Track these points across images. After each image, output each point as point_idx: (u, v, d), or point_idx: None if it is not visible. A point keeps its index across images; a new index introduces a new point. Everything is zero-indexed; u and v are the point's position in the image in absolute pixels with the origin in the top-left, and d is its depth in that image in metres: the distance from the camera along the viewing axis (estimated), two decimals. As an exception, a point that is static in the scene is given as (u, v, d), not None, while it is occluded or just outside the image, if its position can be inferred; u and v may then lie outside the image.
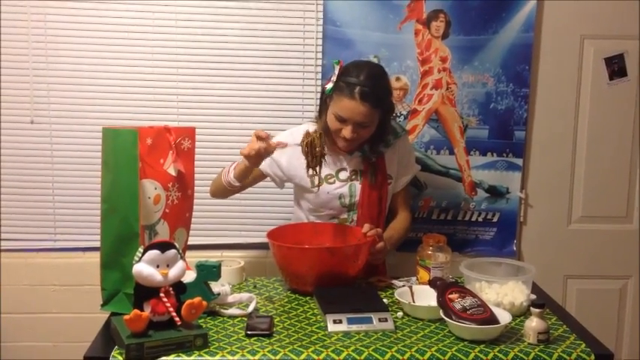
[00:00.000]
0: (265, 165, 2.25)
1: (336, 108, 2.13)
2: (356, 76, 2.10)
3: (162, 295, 1.60)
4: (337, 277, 2.02)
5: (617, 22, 2.66)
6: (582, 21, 2.67)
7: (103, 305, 1.85)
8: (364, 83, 2.09)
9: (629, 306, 2.86)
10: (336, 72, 2.14)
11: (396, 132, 2.32)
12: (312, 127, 2.22)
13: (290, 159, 2.27)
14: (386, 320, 1.77)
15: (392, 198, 2.38)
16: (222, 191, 2.29)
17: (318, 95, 2.63)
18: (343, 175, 2.29)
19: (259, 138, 2.00)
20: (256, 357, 1.59)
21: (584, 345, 1.68)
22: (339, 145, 2.21)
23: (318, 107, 2.31)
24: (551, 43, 2.67)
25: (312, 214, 2.34)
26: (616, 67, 2.70)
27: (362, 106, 2.08)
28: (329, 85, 2.15)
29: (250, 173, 2.19)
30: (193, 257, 1.92)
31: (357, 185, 2.28)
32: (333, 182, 2.28)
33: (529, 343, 1.68)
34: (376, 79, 2.14)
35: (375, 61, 2.59)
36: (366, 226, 2.09)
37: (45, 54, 2.58)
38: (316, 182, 2.23)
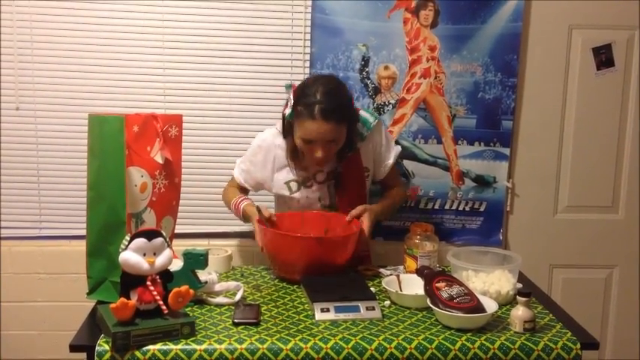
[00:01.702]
0: (243, 181, 2.33)
1: (301, 132, 2.08)
2: (312, 95, 2.05)
3: (148, 283, 1.59)
4: (326, 266, 2.02)
5: (605, 12, 2.66)
6: (570, 11, 2.66)
7: (89, 293, 1.84)
8: (322, 101, 2.03)
9: (614, 295, 2.88)
10: (291, 96, 2.11)
11: (367, 123, 2.26)
12: (274, 133, 2.27)
13: (263, 172, 2.28)
14: (373, 309, 1.78)
15: (382, 182, 2.38)
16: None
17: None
18: (320, 177, 2.26)
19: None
20: (243, 345, 1.59)
21: (569, 334, 1.69)
22: (312, 164, 2.19)
23: (282, 131, 2.23)
24: (540, 33, 2.67)
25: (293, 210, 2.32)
26: (603, 58, 2.71)
27: (326, 124, 2.03)
28: (287, 110, 2.12)
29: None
30: (180, 246, 1.91)
31: (334, 184, 2.27)
32: (311, 185, 2.26)
33: (515, 332, 1.69)
34: (333, 93, 2.08)
35: (363, 49, 2.59)
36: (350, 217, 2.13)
37: (30, 39, 2.54)
38: (293, 189, 2.25)
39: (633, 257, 2.84)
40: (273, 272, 2.14)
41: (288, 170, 2.25)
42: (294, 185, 2.26)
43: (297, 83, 2.19)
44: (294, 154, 2.20)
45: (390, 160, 2.35)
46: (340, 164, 2.24)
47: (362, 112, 2.28)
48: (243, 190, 2.36)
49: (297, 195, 2.25)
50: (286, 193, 2.26)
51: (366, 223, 2.14)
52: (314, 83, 2.11)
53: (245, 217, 2.23)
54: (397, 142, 2.57)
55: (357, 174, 2.27)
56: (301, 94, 2.08)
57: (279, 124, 2.25)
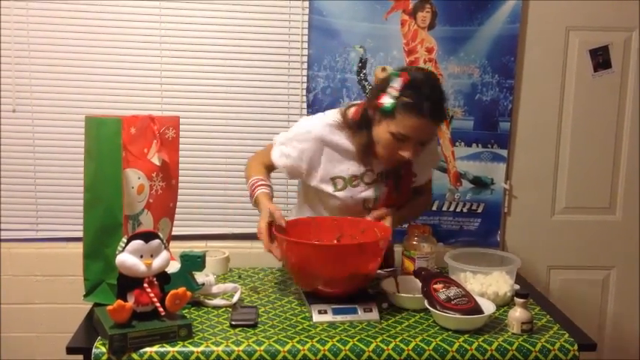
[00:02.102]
0: (282, 166, 2.06)
1: (398, 127, 1.87)
2: (422, 90, 1.86)
3: (145, 285, 1.59)
4: (359, 276, 1.84)
5: (603, 13, 2.67)
6: (567, 13, 2.67)
7: (85, 296, 1.84)
8: (434, 99, 1.86)
9: (611, 296, 2.88)
10: (397, 86, 1.87)
11: None
12: (330, 123, 2.01)
13: (310, 163, 2.03)
14: (371, 310, 1.78)
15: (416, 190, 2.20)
16: None
17: (304, 85, 2.63)
18: (368, 177, 2.06)
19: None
20: (241, 347, 1.58)
21: (567, 335, 1.69)
22: (389, 163, 2.00)
23: (355, 119, 1.99)
24: (537, 35, 2.67)
25: (324, 209, 2.13)
26: (601, 59, 2.71)
27: (432, 123, 1.88)
28: (387, 100, 1.87)
29: None
30: (178, 247, 1.90)
31: (382, 187, 2.07)
32: (357, 185, 2.06)
33: (513, 333, 1.69)
34: (440, 91, 1.92)
35: (361, 51, 2.59)
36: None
37: (27, 42, 2.54)
38: (339, 186, 2.05)
39: (631, 258, 2.85)
40: (298, 287, 1.99)
41: (336, 166, 2.03)
42: (339, 182, 2.04)
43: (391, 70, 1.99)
44: (367, 151, 1.99)
45: (430, 170, 2.26)
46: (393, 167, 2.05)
47: None
48: (270, 169, 2.11)
49: (341, 194, 2.05)
50: (329, 190, 2.05)
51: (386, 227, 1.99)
52: (422, 80, 1.90)
53: (256, 204, 2.00)
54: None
55: (406, 179, 2.11)
56: (411, 86, 1.87)
57: (330, 116, 2.04)
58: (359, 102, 2.07)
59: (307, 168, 2.03)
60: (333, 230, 2.01)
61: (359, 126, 1.99)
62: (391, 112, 1.87)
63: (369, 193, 2.07)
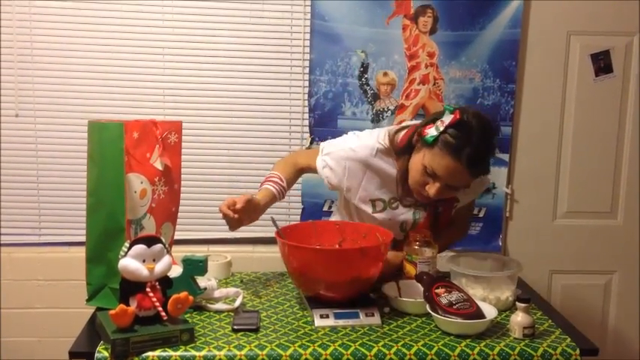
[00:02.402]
0: (322, 173, 2.03)
1: (431, 161, 1.84)
2: (470, 134, 1.80)
3: (148, 289, 1.59)
4: (361, 280, 1.83)
5: (604, 18, 2.68)
6: (569, 17, 2.68)
7: (88, 300, 1.84)
8: (476, 149, 1.80)
9: (613, 301, 2.88)
10: (447, 121, 1.82)
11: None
12: (378, 142, 1.98)
13: (351, 181, 2.01)
14: (373, 315, 1.77)
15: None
16: None
17: (306, 90, 2.64)
18: (408, 200, 2.02)
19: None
20: (243, 352, 1.58)
21: (569, 339, 1.69)
22: (417, 197, 1.96)
23: (401, 145, 1.96)
24: (538, 40, 2.68)
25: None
26: (602, 64, 2.72)
27: (465, 170, 1.82)
28: (431, 132, 1.84)
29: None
30: (180, 252, 1.91)
31: (422, 212, 2.04)
32: (396, 207, 2.04)
33: (515, 338, 1.69)
34: (489, 141, 1.85)
35: (362, 56, 2.60)
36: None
37: (30, 46, 2.55)
38: (378, 209, 2.03)
39: (633, 263, 2.85)
40: (300, 292, 1.98)
41: (377, 188, 2.01)
42: (379, 205, 2.03)
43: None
44: (405, 176, 1.95)
45: (471, 198, 2.15)
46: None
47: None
48: (303, 171, 2.10)
49: (379, 215, 2.03)
50: (369, 210, 2.03)
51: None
52: (474, 123, 1.82)
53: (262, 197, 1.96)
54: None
55: (448, 204, 2.06)
56: (458, 124, 1.81)
57: (378, 137, 2.00)
58: (410, 125, 2.02)
59: (348, 186, 2.01)
60: (335, 234, 2.02)
61: (403, 151, 1.95)
62: (431, 144, 1.83)
63: (407, 216, 2.05)
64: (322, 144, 2.08)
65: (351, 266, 1.76)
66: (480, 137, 1.80)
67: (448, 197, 1.97)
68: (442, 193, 1.88)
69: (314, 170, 2.07)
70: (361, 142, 2.01)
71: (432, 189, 1.87)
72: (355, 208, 2.07)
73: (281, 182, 2.02)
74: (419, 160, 1.88)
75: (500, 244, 2.79)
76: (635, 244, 2.83)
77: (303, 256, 1.81)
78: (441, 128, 1.81)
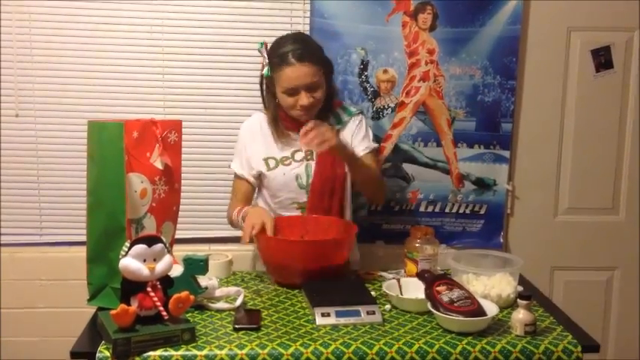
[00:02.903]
0: (247, 174, 2.30)
1: (283, 82, 2.14)
2: (284, 45, 2.14)
3: (149, 289, 1.59)
4: (326, 269, 2.02)
5: (604, 14, 2.67)
6: (569, 13, 2.67)
7: (89, 300, 1.84)
8: (295, 47, 2.12)
9: (615, 297, 2.88)
10: (264, 53, 2.18)
11: (349, 111, 2.32)
12: (261, 116, 2.33)
13: (248, 150, 2.29)
14: (374, 313, 1.77)
15: None
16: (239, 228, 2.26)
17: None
18: (298, 156, 2.27)
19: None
20: (244, 351, 1.59)
21: (570, 336, 1.69)
22: (300, 118, 2.18)
23: (261, 98, 2.32)
24: (538, 36, 2.68)
25: (273, 202, 2.31)
26: (602, 60, 2.71)
27: (303, 66, 2.11)
28: (265, 69, 2.18)
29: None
30: (181, 251, 1.91)
31: (313, 165, 2.26)
32: (289, 164, 2.27)
33: (516, 335, 1.68)
34: (303, 40, 2.19)
35: (362, 53, 2.60)
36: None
37: (29, 46, 2.55)
38: (271, 166, 2.27)
39: (634, 259, 2.85)
40: (270, 277, 2.14)
41: (268, 147, 2.28)
42: (272, 162, 2.27)
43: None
44: (275, 119, 2.26)
45: (363, 146, 2.29)
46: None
47: (346, 104, 2.38)
48: (245, 201, 2.32)
49: (272, 173, 2.26)
50: (264, 169, 2.27)
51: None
52: (283, 37, 2.21)
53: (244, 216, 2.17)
54: (397, 146, 2.58)
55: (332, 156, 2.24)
56: (273, 47, 2.18)
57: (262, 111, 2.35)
58: None
59: (249, 156, 2.29)
60: (298, 228, 2.19)
61: (264, 102, 2.30)
62: (270, 76, 2.17)
63: (300, 170, 2.26)
64: (231, 164, 2.36)
65: (325, 256, 2.02)
66: (290, 40, 2.16)
67: (318, 102, 2.19)
68: (311, 97, 2.14)
69: (249, 190, 2.33)
70: (247, 122, 2.36)
71: (302, 100, 2.14)
72: (260, 190, 2.33)
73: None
74: (278, 92, 2.18)
75: (502, 241, 2.79)
76: (637, 240, 2.83)
77: (284, 249, 2.03)
78: (266, 60, 2.17)
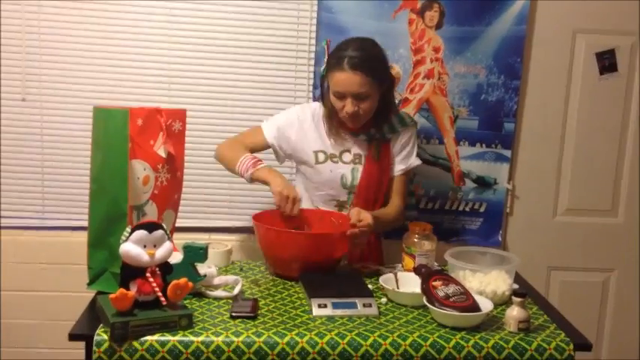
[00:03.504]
0: (272, 137, 2.29)
1: (332, 85, 2.15)
2: (344, 49, 2.13)
3: (148, 275, 1.61)
4: (322, 262, 2.04)
5: (609, 17, 2.68)
6: (575, 15, 2.68)
7: (89, 284, 1.86)
8: (353, 54, 2.10)
9: (611, 299, 2.89)
10: (326, 51, 2.21)
11: (403, 121, 2.32)
12: (320, 108, 2.31)
13: (298, 134, 2.29)
14: (370, 306, 1.79)
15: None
16: (229, 168, 2.28)
17: (311, 82, 2.66)
18: (347, 157, 2.29)
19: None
20: (240, 338, 1.61)
21: (563, 334, 1.71)
22: (347, 124, 2.22)
23: (321, 96, 2.32)
24: (543, 37, 2.68)
25: (313, 194, 2.34)
26: (607, 63, 2.72)
27: (354, 75, 2.09)
28: (322, 67, 2.20)
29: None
30: (181, 239, 1.93)
31: (360, 169, 2.28)
32: (337, 162, 2.29)
33: (509, 332, 1.70)
34: (365, 49, 2.15)
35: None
36: (354, 213, 2.06)
37: (38, 31, 2.56)
38: (320, 159, 2.27)
39: (632, 261, 2.86)
40: (269, 268, 2.16)
41: (320, 140, 2.29)
42: (321, 156, 2.28)
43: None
44: (331, 115, 2.24)
45: (403, 166, 2.35)
46: (368, 147, 2.28)
47: (402, 112, 2.38)
48: (252, 150, 2.29)
49: (321, 166, 2.28)
50: (312, 161, 2.28)
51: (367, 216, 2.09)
52: (349, 40, 2.21)
53: (262, 178, 2.15)
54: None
55: (382, 163, 2.29)
56: (335, 48, 2.18)
57: (318, 102, 2.35)
58: None
59: (295, 139, 2.29)
60: (292, 220, 2.19)
61: (323, 99, 2.28)
62: (325, 75, 2.19)
63: (346, 171, 2.28)
64: (263, 124, 2.34)
65: (308, 248, 2.04)
66: (353, 46, 2.13)
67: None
68: (357, 106, 2.14)
69: (260, 148, 2.31)
70: (303, 107, 2.37)
71: (347, 107, 2.14)
72: (302, 168, 2.34)
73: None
74: (330, 92, 2.18)
75: (500, 239, 2.80)
76: (636, 242, 2.84)
77: (283, 241, 2.04)
78: (325, 58, 2.20)
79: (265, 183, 2.14)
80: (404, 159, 2.35)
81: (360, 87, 2.11)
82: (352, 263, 2.23)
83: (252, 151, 2.27)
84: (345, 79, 2.10)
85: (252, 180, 2.17)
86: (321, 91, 2.30)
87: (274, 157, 2.36)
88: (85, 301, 1.84)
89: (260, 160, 2.20)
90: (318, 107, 2.33)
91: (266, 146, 2.32)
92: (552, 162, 2.78)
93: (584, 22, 2.68)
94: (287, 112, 2.35)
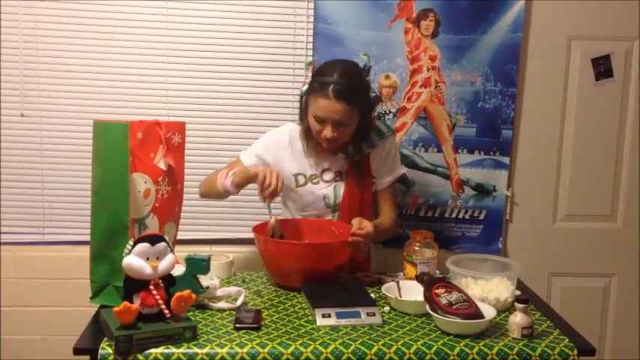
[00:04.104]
0: (252, 165, 2.26)
1: (314, 109, 2.13)
2: (329, 74, 2.09)
3: (151, 287, 1.61)
4: (323, 272, 2.04)
5: (604, 23, 2.69)
6: (570, 22, 2.69)
7: (92, 298, 1.86)
8: (338, 81, 2.08)
9: (612, 304, 2.89)
10: (309, 73, 2.16)
11: (381, 133, 2.30)
12: (295, 129, 2.31)
13: (276, 159, 2.28)
14: (374, 315, 1.79)
15: (376, 197, 2.36)
16: (215, 194, 2.25)
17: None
18: (327, 175, 2.30)
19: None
20: (244, 349, 1.61)
21: (567, 340, 1.71)
22: (323, 145, 2.21)
23: (299, 114, 2.31)
24: (539, 44, 2.70)
25: (298, 215, 2.34)
26: (602, 68, 2.73)
27: (338, 104, 2.08)
28: (304, 87, 2.16)
29: (250, 183, 2.16)
30: (182, 252, 1.92)
31: (342, 186, 2.29)
32: (317, 182, 2.29)
33: (513, 338, 1.70)
34: (350, 76, 2.12)
35: (365, 59, 2.62)
36: (356, 222, 2.07)
37: (36, 47, 2.58)
38: (300, 182, 2.27)
39: (632, 266, 2.86)
40: (270, 279, 2.16)
41: (298, 163, 2.29)
42: (301, 179, 2.29)
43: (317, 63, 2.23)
44: (308, 135, 2.24)
45: (390, 177, 2.36)
46: (347, 164, 2.28)
47: (378, 123, 2.32)
48: None
49: (302, 189, 2.28)
50: (292, 185, 2.28)
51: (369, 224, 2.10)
52: (333, 64, 2.16)
53: (242, 176, 2.15)
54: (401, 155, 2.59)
55: (363, 179, 2.29)
56: (319, 72, 2.14)
57: (296, 123, 2.35)
58: None
59: (273, 162, 2.27)
60: (291, 232, 2.23)
61: (300, 115, 2.27)
62: (307, 96, 2.15)
63: (329, 190, 2.29)
64: (241, 154, 2.33)
65: (308, 258, 2.04)
66: (338, 73, 2.09)
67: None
68: (336, 132, 2.12)
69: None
70: (281, 127, 2.36)
71: (326, 132, 2.13)
72: (285, 192, 2.32)
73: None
74: (310, 114, 2.16)
75: (500, 246, 2.81)
76: (635, 247, 2.85)
77: (283, 251, 2.05)
78: (309, 79, 2.14)
79: (248, 180, 2.13)
80: (389, 170, 2.35)
81: (343, 116, 2.10)
82: (344, 273, 2.21)
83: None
84: (329, 106, 2.09)
85: (235, 185, 2.13)
86: (300, 109, 2.27)
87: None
88: (87, 315, 1.83)
89: (229, 170, 2.17)
90: (294, 128, 2.33)
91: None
92: (551, 168, 2.79)
93: (579, 29, 2.70)
94: (263, 138, 2.35)
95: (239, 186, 2.15)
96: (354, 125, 2.17)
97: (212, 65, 2.65)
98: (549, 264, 2.84)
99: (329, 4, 2.60)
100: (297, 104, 2.66)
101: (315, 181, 2.29)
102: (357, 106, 2.12)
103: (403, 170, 2.41)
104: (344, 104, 2.08)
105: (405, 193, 2.74)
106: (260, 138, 2.37)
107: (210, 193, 2.27)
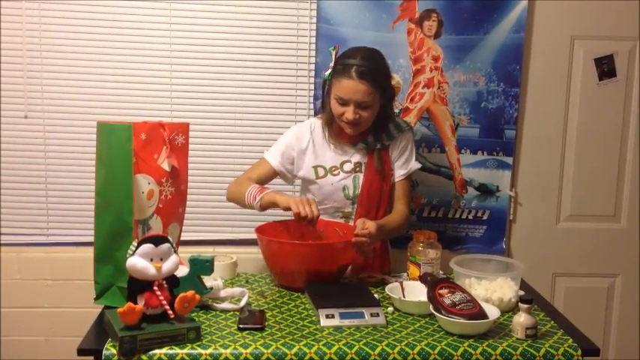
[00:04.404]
0: (277, 163, 2.31)
1: (336, 90, 2.18)
2: (352, 57, 2.17)
3: (155, 288, 1.61)
4: (326, 273, 2.05)
5: (607, 23, 2.69)
6: (573, 22, 2.69)
7: (96, 299, 1.87)
8: (361, 63, 2.14)
9: (616, 304, 2.89)
10: (333, 57, 2.21)
11: (399, 126, 2.34)
12: (316, 122, 2.35)
13: (298, 153, 2.32)
14: (378, 315, 1.80)
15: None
16: (241, 205, 2.27)
17: (311, 93, 2.67)
18: (347, 166, 2.31)
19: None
20: (248, 350, 1.61)
21: (571, 340, 1.71)
22: (345, 130, 2.24)
23: (321, 100, 2.37)
24: (542, 44, 2.70)
25: (320, 208, 2.28)
26: (605, 68, 2.73)
27: (360, 84, 2.13)
28: (328, 72, 2.21)
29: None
30: (186, 252, 1.92)
31: (361, 177, 2.31)
32: (338, 174, 2.30)
33: (517, 338, 1.70)
34: (373, 59, 2.19)
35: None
36: (359, 223, 2.08)
37: (39, 49, 2.58)
38: (320, 174, 2.29)
39: (635, 266, 2.86)
40: (273, 280, 2.16)
41: (319, 155, 2.31)
42: (321, 171, 2.30)
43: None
44: (330, 122, 2.29)
45: (404, 171, 2.36)
46: (367, 155, 2.30)
47: (397, 118, 2.39)
48: (260, 183, 2.30)
49: (322, 181, 2.30)
50: (312, 177, 2.30)
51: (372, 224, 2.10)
52: (357, 48, 2.25)
53: (271, 200, 2.15)
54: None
55: (382, 169, 2.31)
56: (342, 55, 2.21)
57: (317, 116, 2.41)
58: None
59: (296, 156, 2.31)
60: (295, 232, 2.25)
61: (323, 104, 2.34)
62: (330, 80, 2.21)
63: (348, 181, 2.30)
64: (265, 154, 2.35)
65: (311, 259, 2.04)
66: (361, 55, 2.17)
67: (365, 121, 2.22)
68: (358, 114, 2.17)
69: (268, 178, 2.33)
70: (298, 125, 2.40)
71: (348, 113, 2.17)
72: (305, 184, 2.36)
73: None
74: (332, 97, 2.21)
75: (504, 246, 2.81)
76: (638, 247, 2.84)
77: (286, 252, 2.06)
78: (332, 64, 2.20)
79: (275, 205, 2.14)
80: (404, 164, 2.37)
81: (364, 96, 2.15)
82: (356, 273, 2.23)
83: (261, 182, 2.28)
84: (351, 86, 2.13)
85: (261, 208, 2.16)
86: (322, 95, 2.32)
87: (283, 183, 2.41)
88: (90, 316, 1.84)
89: (265, 188, 2.21)
90: (315, 121, 2.36)
91: (274, 175, 2.34)
92: (554, 168, 2.78)
93: (582, 29, 2.70)
94: (285, 135, 2.37)
95: (265, 209, 2.19)
96: (375, 110, 2.22)
97: (215, 67, 2.65)
98: (553, 264, 2.84)
99: (331, 5, 2.60)
100: (299, 104, 2.69)
101: (335, 172, 2.31)
102: (378, 88, 2.17)
103: (417, 166, 2.42)
104: (366, 84, 2.13)
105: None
106: (282, 135, 2.38)
107: (237, 202, 2.29)
